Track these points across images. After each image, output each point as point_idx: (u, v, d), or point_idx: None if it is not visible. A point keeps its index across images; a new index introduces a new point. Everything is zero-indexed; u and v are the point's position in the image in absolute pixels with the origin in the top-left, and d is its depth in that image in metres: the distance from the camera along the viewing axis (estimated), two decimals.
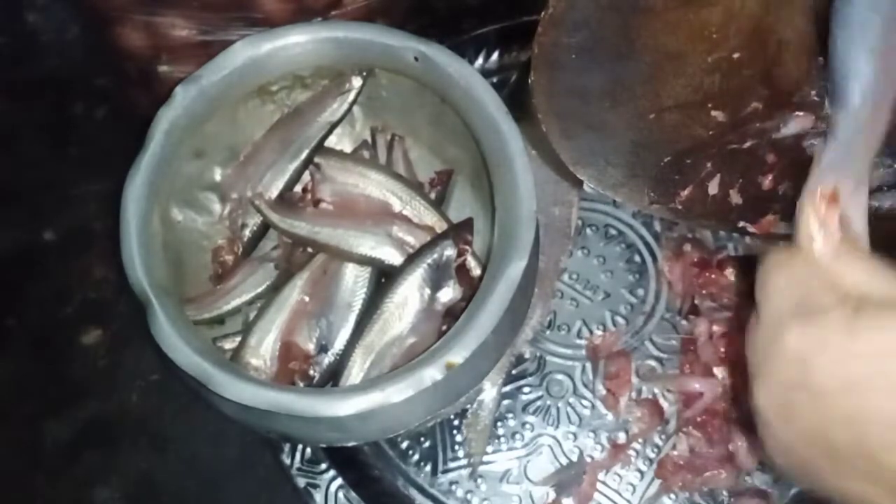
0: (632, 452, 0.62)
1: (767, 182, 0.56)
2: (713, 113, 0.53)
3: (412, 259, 0.56)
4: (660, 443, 0.62)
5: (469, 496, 0.62)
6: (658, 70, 0.51)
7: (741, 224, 0.58)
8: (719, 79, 0.51)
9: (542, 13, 0.46)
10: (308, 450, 0.62)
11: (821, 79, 0.51)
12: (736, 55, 0.50)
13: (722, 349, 0.63)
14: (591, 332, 0.65)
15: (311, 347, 0.57)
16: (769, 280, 0.37)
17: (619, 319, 0.65)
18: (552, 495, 0.61)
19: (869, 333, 0.32)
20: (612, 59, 0.50)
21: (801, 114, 0.53)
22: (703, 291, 0.65)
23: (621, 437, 0.62)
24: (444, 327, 0.55)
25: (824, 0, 0.45)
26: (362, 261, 0.58)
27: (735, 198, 0.57)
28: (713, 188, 0.57)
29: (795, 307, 0.34)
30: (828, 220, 0.36)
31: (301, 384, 0.56)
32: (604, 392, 0.63)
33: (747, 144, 0.54)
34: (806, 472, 0.35)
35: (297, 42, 0.57)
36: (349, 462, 0.62)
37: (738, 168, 0.56)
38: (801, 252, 0.37)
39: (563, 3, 0.46)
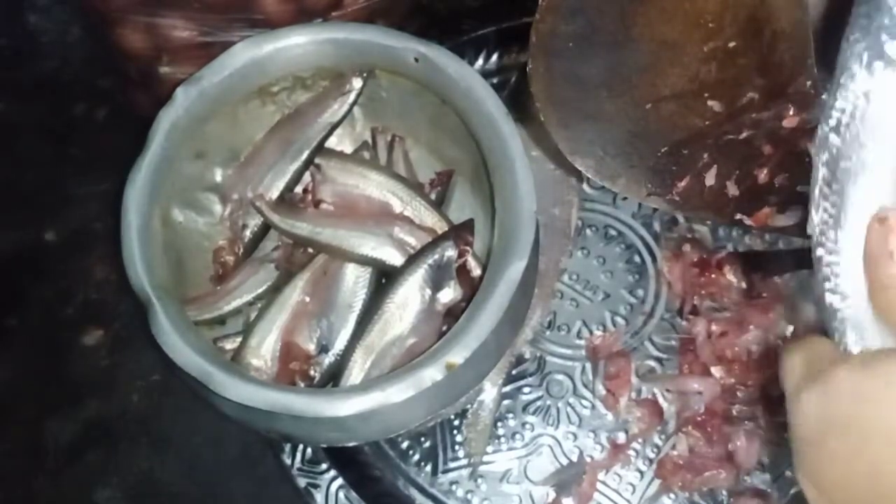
0: (632, 452, 0.62)
1: (763, 175, 0.56)
2: (709, 102, 0.53)
3: (413, 260, 0.56)
4: (659, 443, 0.62)
5: (469, 496, 0.62)
6: (654, 59, 0.51)
7: (738, 216, 0.58)
8: (715, 68, 0.51)
9: (540, 1, 0.47)
10: (308, 450, 0.62)
11: (816, 70, 0.51)
12: (731, 44, 0.50)
13: (721, 349, 0.63)
14: (590, 332, 0.65)
15: (311, 348, 0.57)
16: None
17: (619, 320, 0.66)
18: (552, 495, 0.61)
19: None
20: (608, 48, 0.50)
21: (796, 106, 0.53)
22: (703, 291, 0.65)
23: (621, 437, 0.62)
24: (445, 328, 0.55)
25: None
26: (363, 261, 0.58)
27: (732, 189, 0.57)
28: (710, 179, 0.57)
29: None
30: None
31: (302, 384, 0.56)
32: (604, 392, 0.63)
33: (744, 135, 0.54)
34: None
35: (297, 43, 0.57)
36: (350, 462, 0.62)
37: (735, 159, 0.56)
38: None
39: None
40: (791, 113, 0.53)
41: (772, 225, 0.58)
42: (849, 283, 0.32)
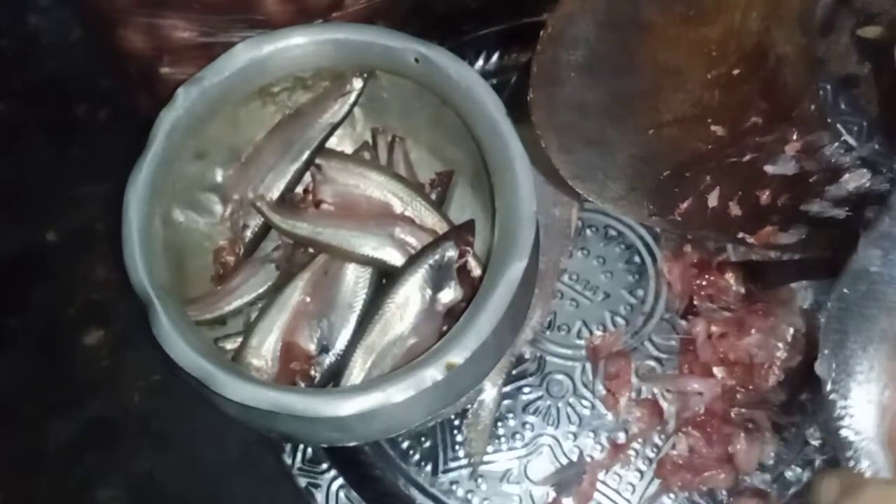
0: (631, 452, 0.62)
1: (766, 196, 0.56)
2: (712, 127, 0.53)
3: (413, 260, 0.56)
4: (659, 443, 0.62)
5: (469, 496, 0.62)
6: (657, 85, 0.51)
7: (740, 235, 0.58)
8: (719, 94, 0.51)
9: (542, 32, 0.47)
10: (309, 450, 0.62)
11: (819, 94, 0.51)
12: (735, 71, 0.50)
13: (721, 349, 0.63)
14: (590, 332, 0.65)
15: (312, 348, 0.57)
16: None
17: (619, 320, 0.66)
18: (552, 495, 0.61)
19: None
20: (611, 75, 0.50)
21: (799, 130, 0.53)
22: (703, 292, 0.65)
23: (621, 437, 0.63)
24: (445, 328, 0.55)
25: (821, 16, 0.46)
26: (364, 261, 0.58)
27: (734, 210, 0.57)
28: (712, 201, 0.57)
29: None
30: None
31: (302, 384, 0.56)
32: (604, 392, 0.64)
33: (747, 157, 0.54)
34: None
35: (298, 44, 0.57)
36: (350, 462, 0.62)
37: (738, 181, 0.56)
38: None
39: (561, 21, 0.46)
40: (794, 137, 0.53)
41: (774, 243, 0.58)
42: (860, 421, 0.40)
